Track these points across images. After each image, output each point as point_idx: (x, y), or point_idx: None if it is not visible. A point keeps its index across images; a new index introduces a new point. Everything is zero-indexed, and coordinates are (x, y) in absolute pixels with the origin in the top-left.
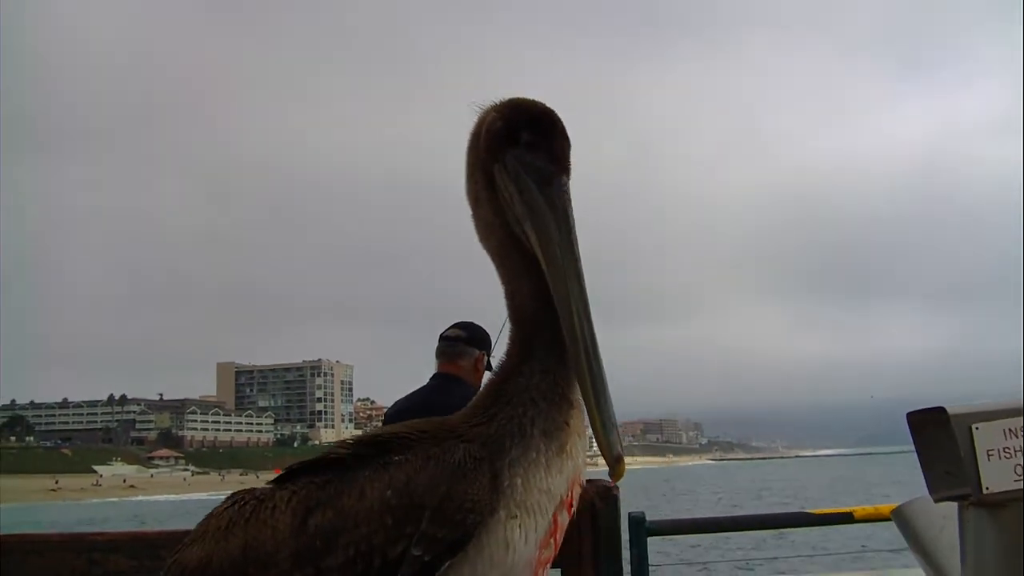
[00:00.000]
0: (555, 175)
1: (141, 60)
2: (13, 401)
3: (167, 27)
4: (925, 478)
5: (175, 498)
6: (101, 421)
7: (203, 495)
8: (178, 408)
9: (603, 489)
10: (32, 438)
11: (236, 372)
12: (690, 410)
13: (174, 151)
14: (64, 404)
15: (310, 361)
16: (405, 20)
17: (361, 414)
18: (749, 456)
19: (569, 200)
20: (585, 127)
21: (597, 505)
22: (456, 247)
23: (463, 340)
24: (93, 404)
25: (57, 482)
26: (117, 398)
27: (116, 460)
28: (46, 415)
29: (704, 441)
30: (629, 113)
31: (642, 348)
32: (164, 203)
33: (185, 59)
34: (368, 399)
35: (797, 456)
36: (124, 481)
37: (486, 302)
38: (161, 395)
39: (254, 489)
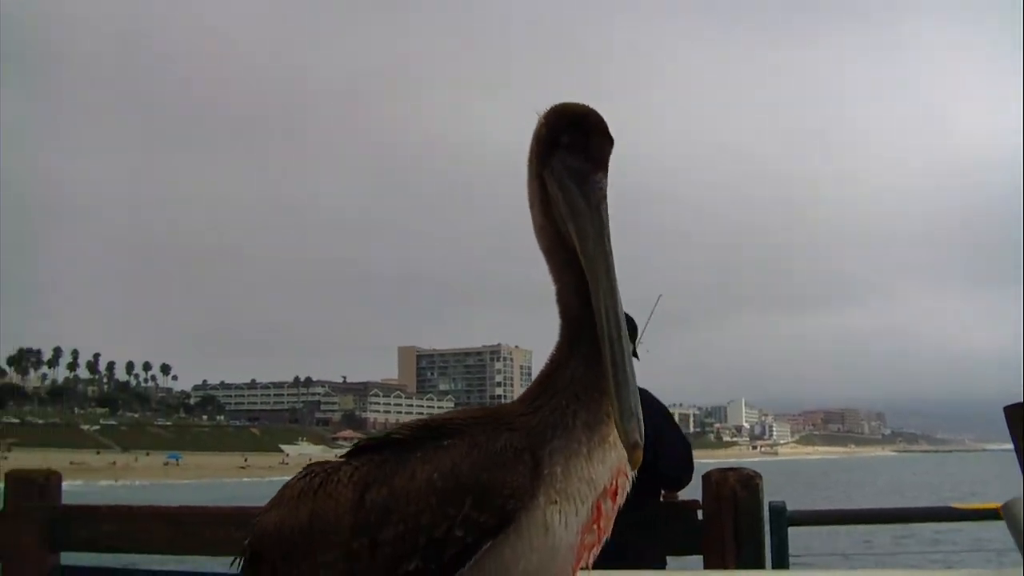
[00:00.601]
0: (590, 173)
1: (307, 48)
2: (205, 381)
3: (332, 16)
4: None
5: None
6: (287, 402)
7: None
8: (361, 391)
9: (745, 477)
10: (222, 417)
11: (417, 356)
12: (873, 400)
13: (348, 139)
14: (252, 385)
15: (490, 346)
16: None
17: None
18: (934, 448)
19: (603, 196)
20: (766, 114)
21: (739, 493)
22: (635, 235)
23: None
24: (279, 385)
25: (247, 460)
26: (302, 380)
27: (302, 440)
28: (235, 395)
29: (887, 432)
30: (805, 99)
31: (825, 335)
32: (345, 192)
33: (350, 48)
34: None
35: (984, 450)
36: (310, 460)
37: (655, 290)
38: (344, 378)
39: (326, 462)
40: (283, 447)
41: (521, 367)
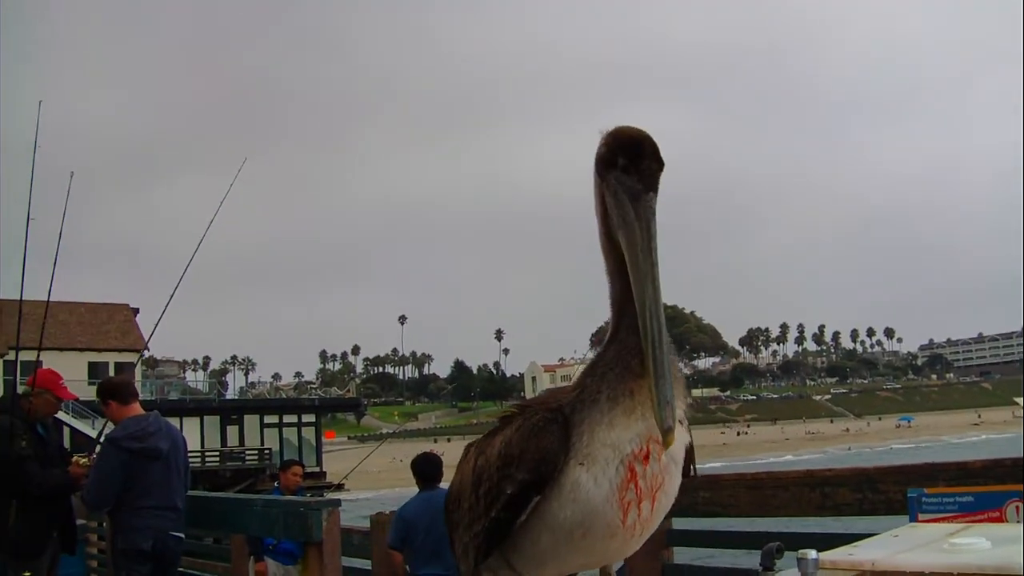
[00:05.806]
0: (642, 192)
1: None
2: (931, 340)
3: None
4: None
5: None
6: (1018, 353)
7: None
8: None
9: None
10: (951, 375)
11: None
12: None
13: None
14: (979, 339)
15: None
16: None
17: None
18: None
19: (653, 213)
20: None
21: None
22: None
23: None
24: (1008, 336)
25: (980, 416)
26: None
27: None
28: (963, 351)
29: None
30: None
31: None
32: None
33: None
34: None
35: None
36: None
37: None
38: None
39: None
40: (1017, 400)
41: None
